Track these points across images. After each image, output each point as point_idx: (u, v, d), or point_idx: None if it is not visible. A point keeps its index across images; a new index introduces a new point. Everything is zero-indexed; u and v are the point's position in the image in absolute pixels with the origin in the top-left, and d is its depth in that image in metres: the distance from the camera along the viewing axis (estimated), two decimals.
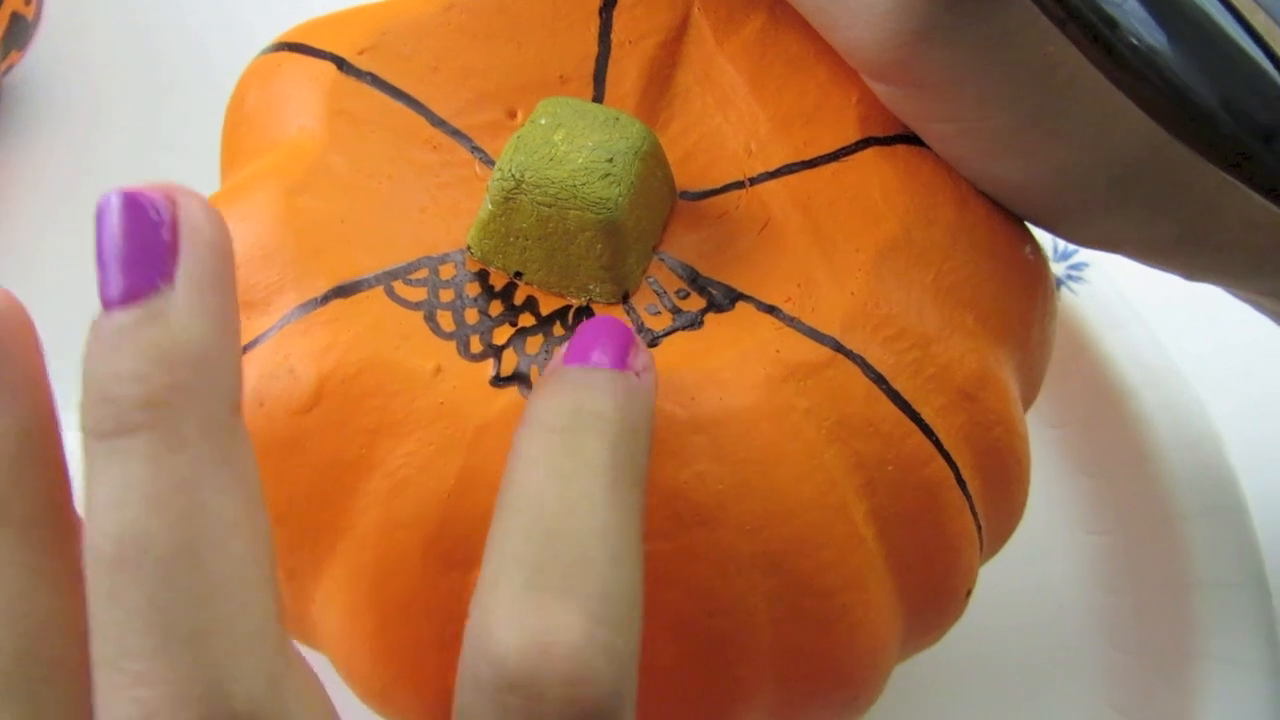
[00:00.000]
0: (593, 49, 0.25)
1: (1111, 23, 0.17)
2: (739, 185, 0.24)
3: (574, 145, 0.22)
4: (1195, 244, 0.23)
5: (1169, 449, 0.32)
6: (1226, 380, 0.34)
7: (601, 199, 0.21)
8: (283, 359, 0.21)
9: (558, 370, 0.19)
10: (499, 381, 0.21)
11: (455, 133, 0.24)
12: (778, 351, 0.21)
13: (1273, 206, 0.18)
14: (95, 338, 0.17)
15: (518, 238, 0.22)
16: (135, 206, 0.17)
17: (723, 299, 0.23)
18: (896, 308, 0.22)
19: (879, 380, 0.21)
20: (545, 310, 0.22)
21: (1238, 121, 0.17)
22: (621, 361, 0.19)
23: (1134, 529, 0.32)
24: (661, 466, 0.20)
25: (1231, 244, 0.23)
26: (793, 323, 0.22)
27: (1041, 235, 0.25)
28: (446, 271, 0.22)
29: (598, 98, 0.25)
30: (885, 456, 0.21)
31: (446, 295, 0.22)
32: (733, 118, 0.24)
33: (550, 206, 0.22)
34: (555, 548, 0.17)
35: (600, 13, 0.25)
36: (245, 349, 0.21)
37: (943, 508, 0.22)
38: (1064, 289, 0.35)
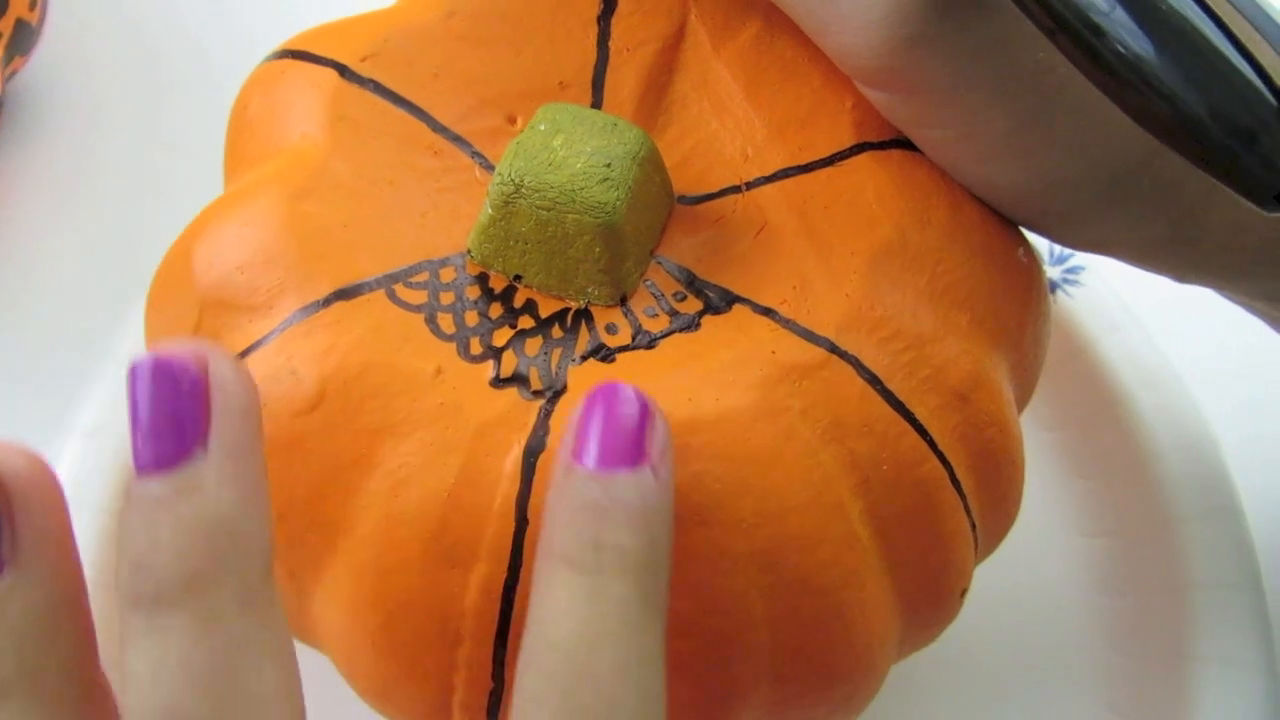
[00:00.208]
0: (591, 56, 0.25)
1: (1098, 31, 0.18)
2: (735, 190, 0.24)
3: (573, 150, 0.22)
4: (1186, 246, 0.24)
5: (1165, 451, 0.32)
6: (1222, 382, 0.34)
7: (600, 203, 0.22)
8: (285, 360, 0.21)
9: (571, 475, 0.19)
10: (498, 383, 0.21)
11: (456, 138, 0.24)
12: (774, 353, 0.21)
13: (1258, 209, 0.18)
14: (131, 506, 0.17)
15: (517, 241, 0.22)
16: (166, 373, 0.17)
17: (719, 301, 0.23)
18: (891, 310, 0.22)
19: (874, 381, 0.21)
20: (544, 313, 0.23)
21: (1222, 125, 0.17)
22: (638, 448, 0.19)
23: (1131, 531, 0.32)
24: None
25: (1221, 246, 0.23)
26: (788, 324, 0.22)
27: (1036, 239, 0.25)
28: (447, 275, 0.23)
29: (596, 104, 0.25)
30: (880, 456, 0.21)
31: (447, 298, 0.22)
32: (729, 123, 0.25)
33: (549, 211, 0.22)
34: (583, 692, 0.17)
35: (599, 20, 0.25)
36: (247, 351, 0.22)
37: (937, 507, 0.22)
38: (1060, 292, 0.35)
